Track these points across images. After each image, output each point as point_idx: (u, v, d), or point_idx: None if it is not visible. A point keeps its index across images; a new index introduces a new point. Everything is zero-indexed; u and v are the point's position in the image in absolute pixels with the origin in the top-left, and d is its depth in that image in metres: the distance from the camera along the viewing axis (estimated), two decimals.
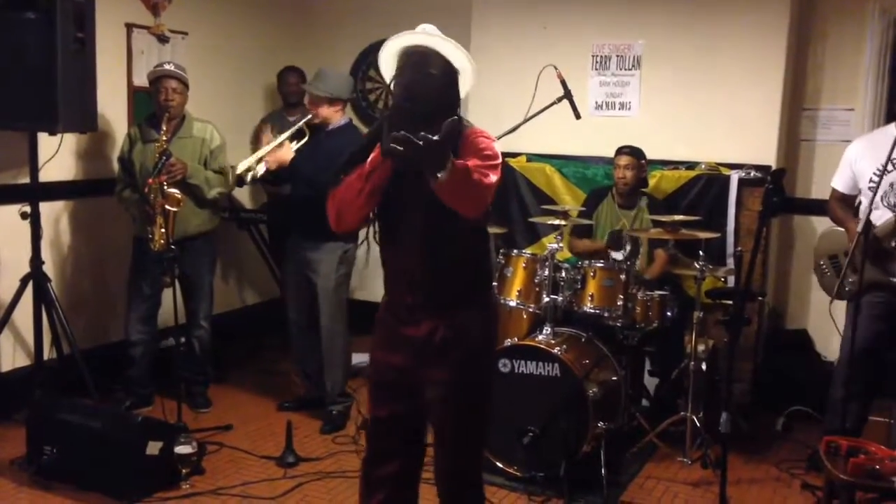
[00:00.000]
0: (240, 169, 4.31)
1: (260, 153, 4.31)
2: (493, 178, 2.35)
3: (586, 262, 4.23)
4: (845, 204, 3.96)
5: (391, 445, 2.62)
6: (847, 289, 3.71)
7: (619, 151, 4.61)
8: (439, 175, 2.15)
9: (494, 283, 4.25)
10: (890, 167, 3.66)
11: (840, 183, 3.97)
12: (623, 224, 4.60)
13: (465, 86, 2.53)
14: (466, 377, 2.52)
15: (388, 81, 2.51)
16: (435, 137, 2.10)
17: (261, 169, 4.28)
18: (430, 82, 2.41)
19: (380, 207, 2.49)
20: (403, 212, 2.47)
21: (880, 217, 3.72)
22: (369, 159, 2.38)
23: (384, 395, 2.61)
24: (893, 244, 3.67)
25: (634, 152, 4.58)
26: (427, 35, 2.46)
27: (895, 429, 3.67)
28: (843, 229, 3.92)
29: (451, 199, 2.26)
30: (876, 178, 3.72)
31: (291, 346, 4.66)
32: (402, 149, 2.08)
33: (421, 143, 2.08)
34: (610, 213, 4.68)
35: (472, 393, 2.56)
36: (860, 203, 3.91)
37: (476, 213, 2.37)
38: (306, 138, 4.34)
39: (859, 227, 3.52)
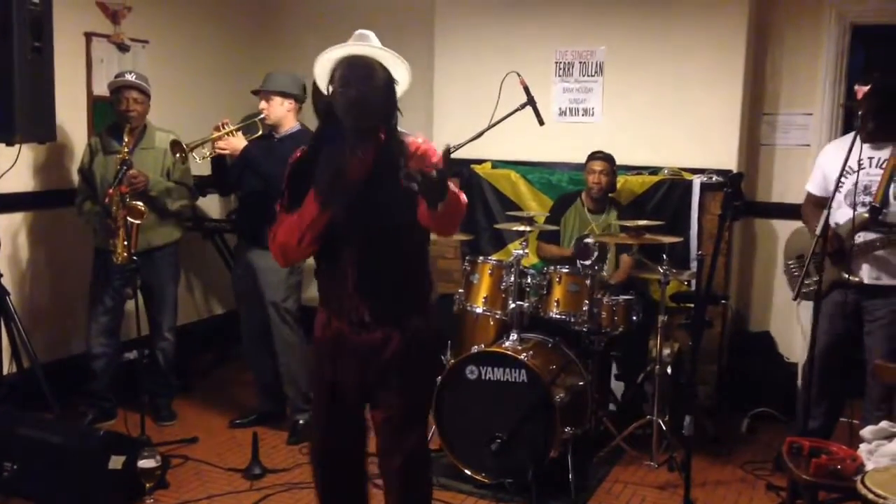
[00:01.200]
0: (191, 143, 4.19)
1: (213, 136, 4.18)
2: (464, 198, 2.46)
3: (552, 267, 4.25)
4: (818, 206, 4.02)
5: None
6: (804, 290, 3.76)
7: (593, 157, 4.63)
8: (439, 206, 2.24)
9: (461, 290, 4.27)
10: (854, 167, 3.73)
11: (814, 186, 4.04)
12: (592, 229, 4.62)
13: (400, 90, 2.55)
14: (417, 383, 2.59)
15: (324, 89, 2.51)
16: (439, 168, 2.19)
17: (207, 151, 4.19)
18: (377, 95, 2.44)
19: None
20: (345, 233, 2.50)
21: (843, 216, 3.78)
22: (307, 209, 2.42)
23: (328, 413, 2.65)
24: (854, 243, 3.73)
25: (608, 158, 4.61)
26: (369, 46, 2.49)
27: (857, 429, 3.71)
28: (807, 228, 3.98)
29: (440, 224, 2.38)
30: (842, 180, 3.80)
31: (247, 358, 4.61)
32: (416, 184, 2.19)
33: (435, 177, 2.17)
34: (578, 218, 4.70)
35: (418, 397, 2.64)
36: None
37: (455, 232, 2.55)
38: (259, 133, 4.27)
39: (818, 230, 3.57)
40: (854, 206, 3.73)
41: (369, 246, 2.47)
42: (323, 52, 2.50)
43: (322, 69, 2.51)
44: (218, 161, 4.25)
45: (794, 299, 3.86)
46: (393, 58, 2.49)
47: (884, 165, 3.72)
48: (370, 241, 2.47)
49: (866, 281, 3.74)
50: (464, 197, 2.42)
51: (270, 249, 2.56)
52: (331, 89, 2.47)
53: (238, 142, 4.17)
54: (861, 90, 3.68)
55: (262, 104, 4.25)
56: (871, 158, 3.73)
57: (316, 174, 2.42)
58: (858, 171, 3.72)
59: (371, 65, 2.46)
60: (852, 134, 3.94)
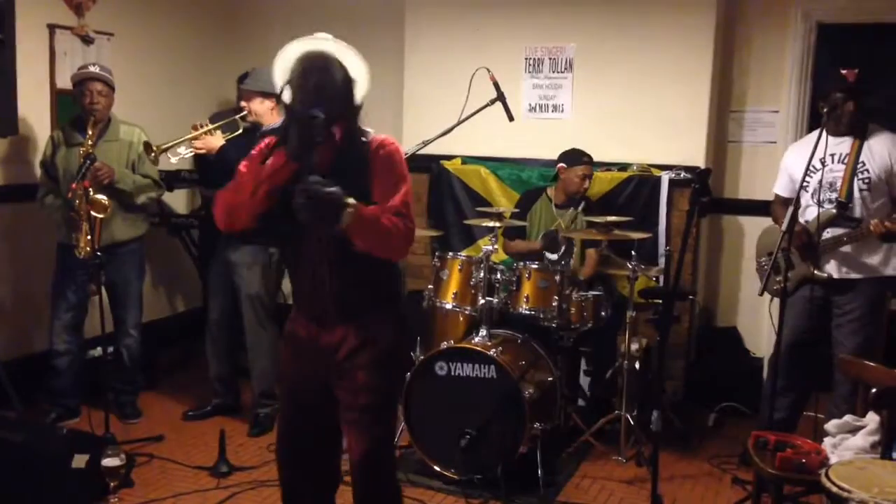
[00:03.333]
0: (164, 146, 4.15)
1: (189, 136, 4.17)
2: (411, 222, 2.41)
3: (521, 263, 4.25)
4: (787, 207, 4.06)
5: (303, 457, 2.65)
6: (775, 287, 3.80)
7: (581, 161, 4.53)
8: (338, 226, 2.24)
9: (430, 286, 4.26)
10: (818, 165, 3.76)
11: (780, 188, 4.09)
12: (559, 224, 4.63)
13: (360, 91, 2.51)
14: (376, 380, 2.53)
15: (281, 84, 2.45)
16: (327, 190, 2.18)
17: (184, 151, 4.17)
18: (335, 86, 2.41)
19: (283, 219, 2.41)
20: (307, 227, 2.41)
21: (811, 214, 3.82)
22: (269, 161, 2.35)
23: (296, 409, 2.62)
24: (821, 239, 3.77)
25: (591, 161, 4.57)
26: (327, 41, 2.47)
27: (822, 423, 3.76)
28: (777, 227, 4.02)
29: (372, 252, 2.36)
30: (807, 178, 3.84)
31: (207, 347, 4.57)
32: (302, 202, 2.18)
33: (318, 196, 2.18)
34: (545, 213, 4.70)
35: (382, 397, 2.57)
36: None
37: (399, 257, 2.54)
38: (239, 131, 4.25)
39: (784, 226, 3.61)
40: (820, 203, 3.78)
41: (329, 241, 2.43)
42: (282, 50, 2.46)
43: (282, 68, 2.47)
44: (201, 157, 4.24)
45: (760, 294, 3.91)
46: (350, 53, 2.46)
47: (845, 161, 3.77)
48: (329, 235, 2.43)
49: (835, 276, 3.78)
50: (400, 222, 2.36)
51: (215, 212, 2.44)
52: (289, 88, 2.43)
53: (215, 141, 4.17)
54: (851, 73, 3.72)
55: (244, 102, 4.25)
56: (832, 155, 3.77)
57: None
58: (823, 169, 3.76)
59: (328, 58, 2.44)
60: (815, 133, 3.99)
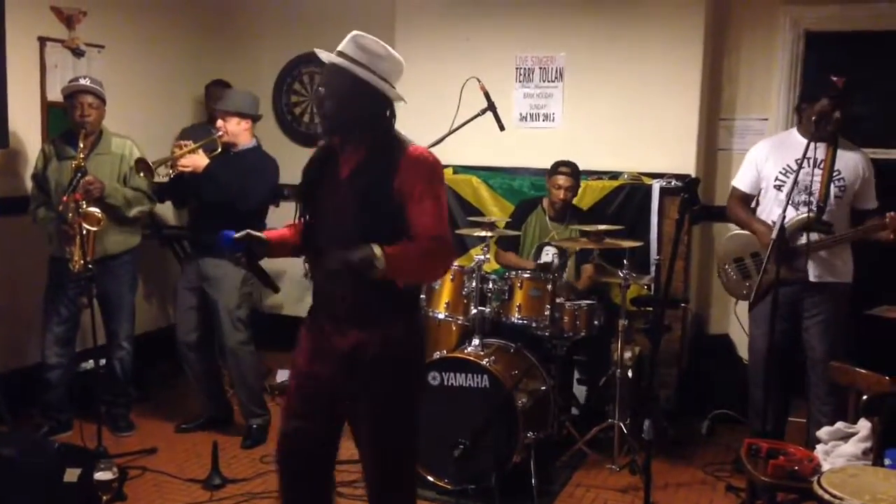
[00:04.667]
0: (154, 162, 4.15)
1: (175, 154, 4.18)
2: (445, 242, 2.44)
3: (513, 272, 4.25)
4: (745, 204, 4.08)
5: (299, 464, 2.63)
6: (746, 292, 3.83)
7: (558, 171, 4.55)
8: (376, 269, 2.31)
9: (423, 296, 4.26)
10: (794, 167, 3.79)
11: (744, 182, 4.08)
12: (552, 236, 4.63)
13: (391, 92, 2.51)
14: (394, 389, 2.52)
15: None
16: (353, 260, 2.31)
17: (169, 169, 4.20)
18: (344, 100, 2.44)
19: (307, 224, 2.56)
20: (329, 227, 2.48)
21: (787, 216, 3.83)
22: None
23: (300, 407, 2.60)
24: (800, 242, 3.78)
25: (573, 172, 4.55)
26: (343, 59, 2.47)
27: (813, 430, 3.78)
28: (746, 232, 4.03)
29: (404, 281, 2.44)
30: (783, 178, 3.85)
31: (185, 368, 4.53)
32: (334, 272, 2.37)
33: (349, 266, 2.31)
34: (540, 224, 4.71)
35: (398, 405, 2.55)
36: (757, 204, 4.04)
37: (438, 278, 2.88)
38: (218, 150, 4.28)
39: (774, 233, 3.62)
40: (797, 205, 3.80)
41: (350, 245, 2.40)
42: (320, 54, 2.55)
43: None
44: (176, 175, 4.25)
45: (752, 303, 3.92)
46: (381, 56, 2.50)
47: (822, 165, 3.80)
48: (351, 240, 2.40)
49: (810, 279, 3.80)
50: (428, 248, 2.41)
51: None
52: None
53: (200, 160, 4.19)
54: (841, 80, 3.76)
55: (220, 122, 4.28)
56: (809, 158, 3.77)
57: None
58: (799, 171, 3.77)
59: (341, 70, 2.44)
60: (787, 132, 4.01)
